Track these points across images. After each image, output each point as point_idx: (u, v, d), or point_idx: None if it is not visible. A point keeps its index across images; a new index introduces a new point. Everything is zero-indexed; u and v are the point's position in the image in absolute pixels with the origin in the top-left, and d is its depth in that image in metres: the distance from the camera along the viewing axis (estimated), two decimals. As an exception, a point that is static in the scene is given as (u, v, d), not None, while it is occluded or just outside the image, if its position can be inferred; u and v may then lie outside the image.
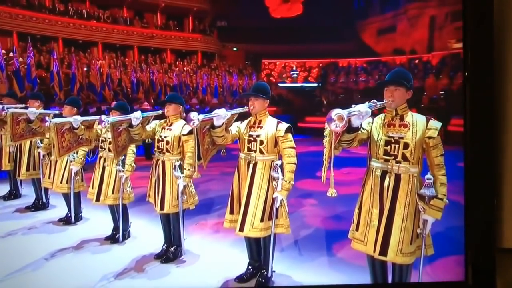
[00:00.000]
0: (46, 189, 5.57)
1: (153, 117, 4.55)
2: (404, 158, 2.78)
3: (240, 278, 3.75)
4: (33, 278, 3.76)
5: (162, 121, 4.14)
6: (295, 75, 18.86)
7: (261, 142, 3.49)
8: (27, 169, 5.45)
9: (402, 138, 2.78)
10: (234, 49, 20.40)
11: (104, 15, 16.06)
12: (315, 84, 18.14)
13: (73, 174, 4.90)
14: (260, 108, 3.57)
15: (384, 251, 2.70)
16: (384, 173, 2.81)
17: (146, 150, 7.75)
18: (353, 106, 2.62)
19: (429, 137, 2.79)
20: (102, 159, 4.58)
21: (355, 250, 3.10)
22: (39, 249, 4.38)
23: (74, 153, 4.74)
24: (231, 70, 17.31)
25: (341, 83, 17.26)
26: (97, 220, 5.33)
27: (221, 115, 3.31)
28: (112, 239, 4.66)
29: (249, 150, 3.56)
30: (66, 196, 5.12)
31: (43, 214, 5.53)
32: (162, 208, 4.02)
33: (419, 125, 2.81)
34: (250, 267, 3.77)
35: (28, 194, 6.14)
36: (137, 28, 17.08)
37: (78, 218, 5.13)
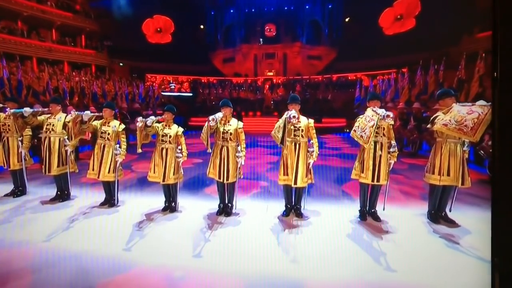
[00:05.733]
0: (69, 182, 4.72)
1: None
2: (383, 134, 3.73)
3: (285, 214, 4.02)
4: (150, 242, 3.36)
5: (220, 119, 3.96)
6: (172, 87, 19.03)
7: (302, 130, 3.88)
8: (58, 165, 4.60)
9: (382, 125, 3.70)
10: (121, 64, 18.87)
11: (-2, 25, 12.41)
12: (189, 94, 18.66)
13: (118, 165, 4.34)
14: (297, 109, 3.89)
15: (378, 179, 3.71)
16: (375, 143, 3.72)
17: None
18: (377, 111, 3.52)
19: (390, 124, 3.73)
20: (164, 150, 4.13)
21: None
22: (117, 225, 3.85)
23: (119, 147, 4.29)
24: (122, 81, 16.08)
25: (206, 94, 18.32)
26: (128, 201, 4.69)
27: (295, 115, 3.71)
28: (169, 209, 4.29)
29: (295, 136, 3.87)
30: (106, 184, 4.50)
31: (76, 203, 4.64)
32: (227, 179, 3.97)
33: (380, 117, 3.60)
34: (288, 206, 4.08)
35: (31, 191, 5.03)
36: (35, 41, 13.83)
37: (118, 201, 4.54)
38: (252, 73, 20.99)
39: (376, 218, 3.88)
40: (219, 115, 3.89)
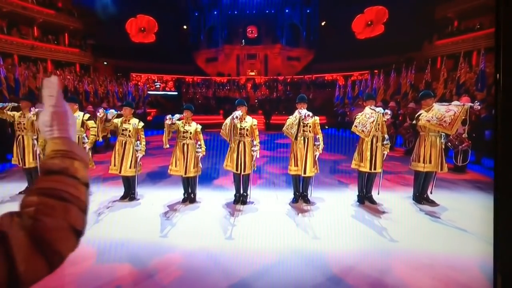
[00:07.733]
0: None
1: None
2: (379, 129, 4.15)
3: (294, 201, 4.30)
4: (182, 229, 3.50)
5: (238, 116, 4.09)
6: (157, 85, 18.70)
7: (310, 126, 4.15)
8: None
9: (377, 120, 4.06)
10: (105, 63, 18.16)
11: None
12: (174, 93, 18.45)
13: (138, 160, 4.34)
14: (305, 108, 4.14)
15: (375, 168, 4.11)
16: (373, 136, 4.12)
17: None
18: (384, 109, 3.95)
19: (384, 120, 4.09)
20: (185, 145, 4.25)
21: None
22: (144, 217, 3.90)
23: (139, 143, 4.32)
24: (109, 79, 15.55)
25: (192, 93, 18.18)
26: (147, 195, 4.72)
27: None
28: (189, 200, 4.40)
29: (304, 131, 4.15)
30: (126, 179, 4.47)
31: (95, 198, 4.50)
32: (244, 171, 4.14)
33: (380, 114, 4.03)
34: (297, 193, 4.35)
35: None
36: (17, 38, 12.92)
37: (137, 194, 4.54)
38: (234, 72, 21.14)
39: (373, 201, 4.37)
40: (239, 113, 4.09)
